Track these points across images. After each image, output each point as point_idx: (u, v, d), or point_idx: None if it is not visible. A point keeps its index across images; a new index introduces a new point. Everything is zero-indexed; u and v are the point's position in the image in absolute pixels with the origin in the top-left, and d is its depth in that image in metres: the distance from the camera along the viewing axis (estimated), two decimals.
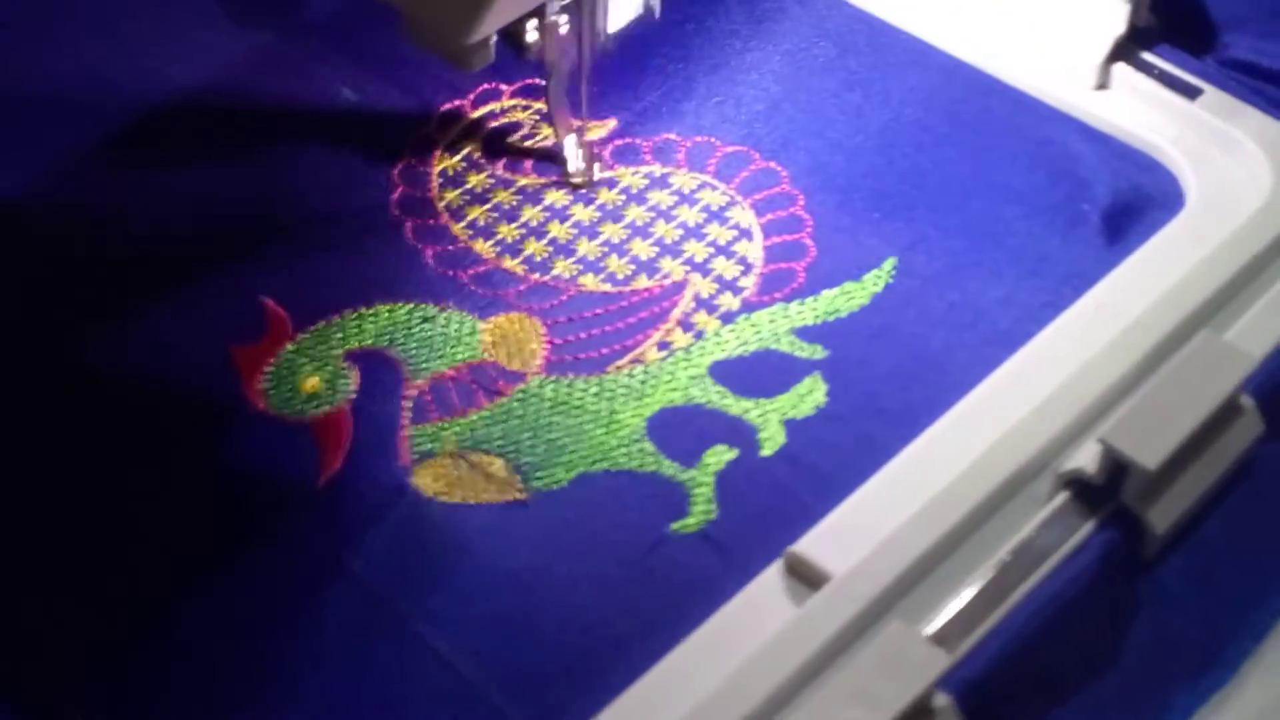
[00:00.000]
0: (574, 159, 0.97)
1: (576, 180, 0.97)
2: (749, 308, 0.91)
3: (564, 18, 0.89)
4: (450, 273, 0.93)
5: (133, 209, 0.96)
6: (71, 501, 0.83)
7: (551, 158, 0.99)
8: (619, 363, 0.89)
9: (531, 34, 0.89)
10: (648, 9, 0.96)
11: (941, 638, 0.74)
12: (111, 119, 1.01)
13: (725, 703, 0.72)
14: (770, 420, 0.86)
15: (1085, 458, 0.80)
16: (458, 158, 0.99)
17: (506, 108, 1.02)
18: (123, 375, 0.88)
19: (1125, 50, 1.01)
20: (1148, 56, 1.01)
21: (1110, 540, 0.78)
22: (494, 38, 0.85)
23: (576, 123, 0.96)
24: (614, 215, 0.96)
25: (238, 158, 0.99)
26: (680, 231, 0.95)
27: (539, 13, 0.89)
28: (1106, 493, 0.79)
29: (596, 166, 0.98)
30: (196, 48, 1.05)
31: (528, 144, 1.00)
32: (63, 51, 1.05)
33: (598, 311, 0.91)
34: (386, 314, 0.91)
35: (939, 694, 0.72)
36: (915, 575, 0.77)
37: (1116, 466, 0.78)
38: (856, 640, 0.74)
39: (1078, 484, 0.80)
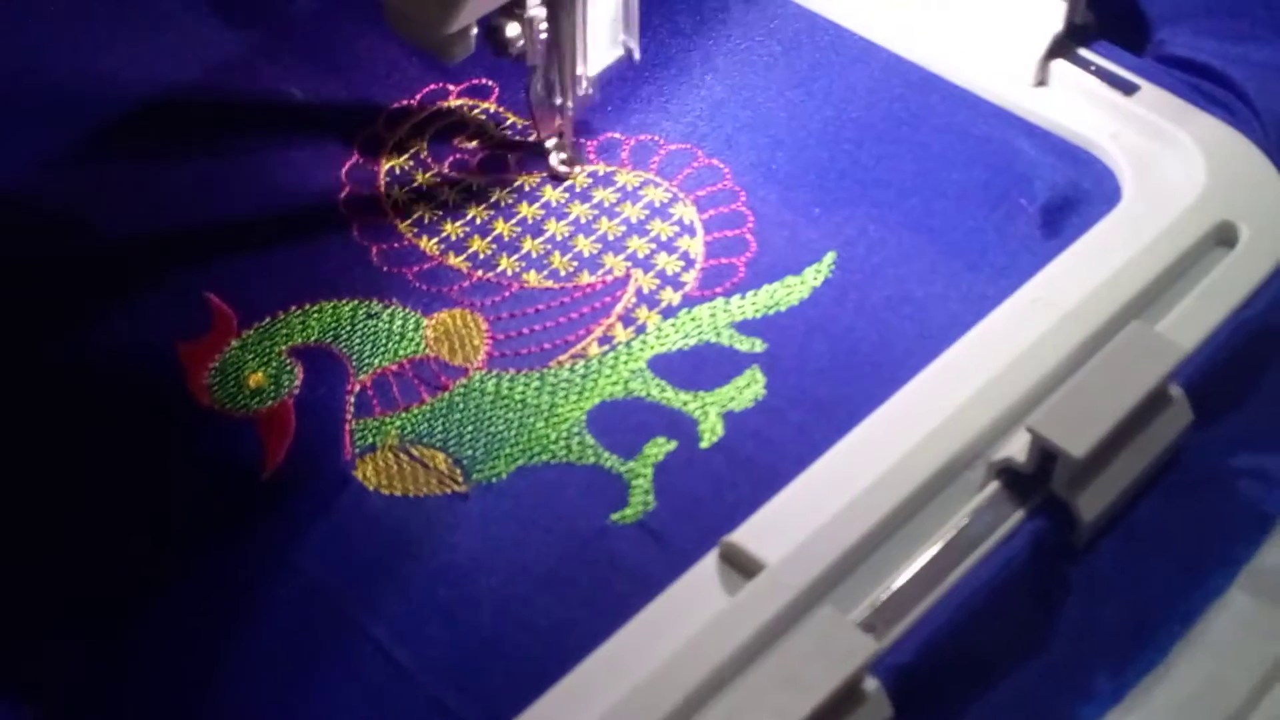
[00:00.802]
0: (554, 155, 0.99)
1: (559, 175, 0.99)
2: (690, 302, 0.92)
3: (543, 12, 0.90)
4: (395, 270, 0.94)
5: (79, 206, 0.97)
6: (13, 496, 0.83)
7: (506, 149, 1.01)
8: (560, 357, 0.90)
9: (512, 30, 0.90)
10: (627, 51, 0.97)
11: (871, 624, 0.75)
12: (57, 118, 1.01)
13: (658, 689, 0.73)
14: (709, 413, 0.87)
15: (1016, 447, 0.81)
16: (405, 156, 1.00)
17: (453, 107, 1.03)
18: (69, 370, 0.89)
19: (1063, 47, 1.02)
20: (1086, 53, 1.02)
21: (1040, 528, 0.80)
22: (474, 28, 0.86)
23: (558, 121, 0.97)
24: (558, 213, 0.97)
25: (185, 155, 1.00)
26: (623, 228, 0.96)
27: (518, 8, 0.89)
28: (1036, 481, 0.80)
29: (577, 164, 1.00)
30: (145, 48, 1.06)
31: (473, 143, 1.01)
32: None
33: (540, 307, 0.92)
34: (331, 310, 0.92)
35: (869, 679, 0.73)
36: (848, 564, 0.78)
37: (1045, 455, 0.79)
38: (790, 628, 0.75)
39: (1008, 473, 0.81)
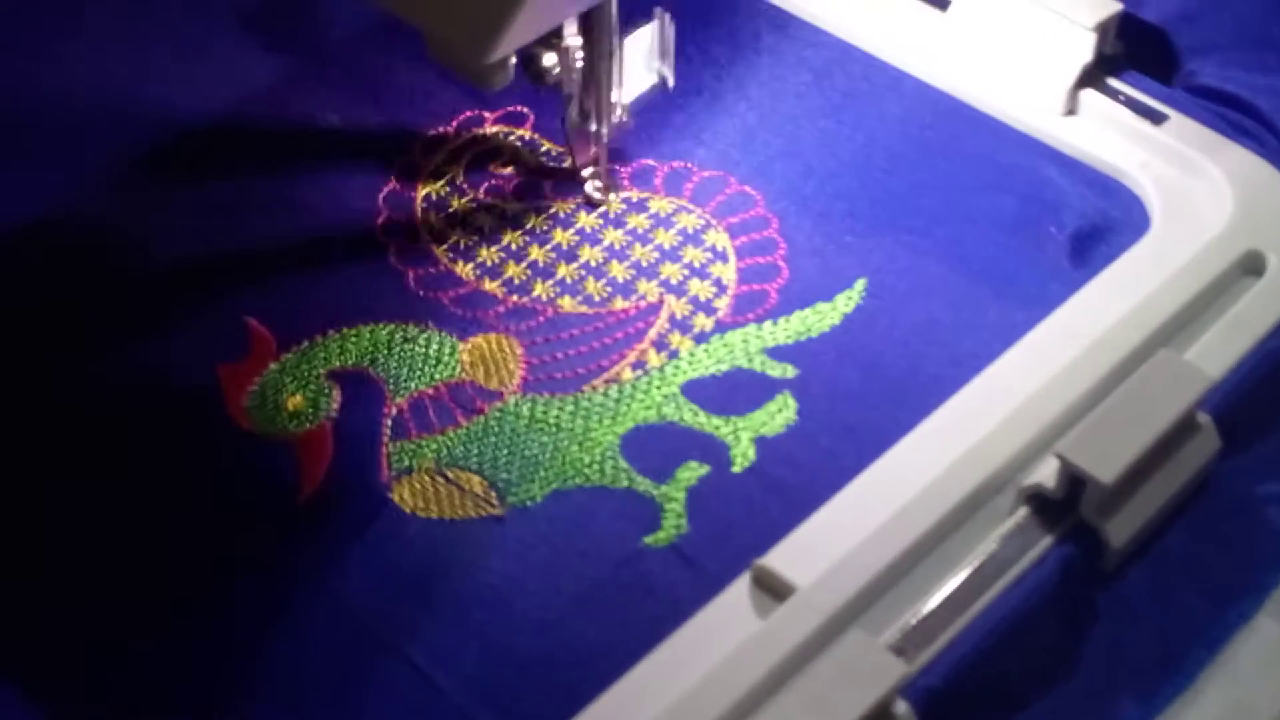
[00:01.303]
0: (592, 183, 1.00)
1: (596, 202, 1.00)
2: (722, 328, 0.94)
3: (579, 41, 0.91)
4: (431, 294, 0.95)
5: (120, 230, 0.98)
6: (54, 517, 0.85)
7: (541, 175, 1.02)
8: (594, 382, 0.91)
9: (549, 59, 0.91)
10: (661, 79, 0.98)
11: (901, 648, 0.76)
12: (99, 141, 1.03)
13: (690, 712, 0.74)
14: (741, 437, 0.88)
15: (1045, 473, 0.82)
16: (441, 182, 1.02)
17: (489, 134, 1.04)
18: (109, 392, 0.90)
19: (1093, 77, 1.03)
20: (1115, 83, 1.03)
21: (1069, 553, 0.80)
22: (513, 58, 0.87)
23: (594, 148, 0.99)
24: (592, 239, 0.98)
25: (224, 180, 1.01)
26: (657, 254, 0.98)
27: (556, 38, 0.91)
28: (1065, 507, 0.81)
29: (612, 191, 1.01)
30: (185, 73, 1.07)
31: (508, 169, 1.02)
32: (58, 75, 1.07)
33: (574, 332, 0.93)
34: (369, 334, 0.93)
35: (899, 702, 0.74)
36: (879, 588, 0.79)
37: (1074, 481, 0.80)
38: (820, 651, 0.76)
39: (1038, 499, 0.82)
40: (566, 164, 1.02)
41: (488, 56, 0.84)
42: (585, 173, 1.00)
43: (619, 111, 0.97)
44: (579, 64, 0.93)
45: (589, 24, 0.92)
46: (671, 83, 0.99)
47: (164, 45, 1.10)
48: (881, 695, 0.72)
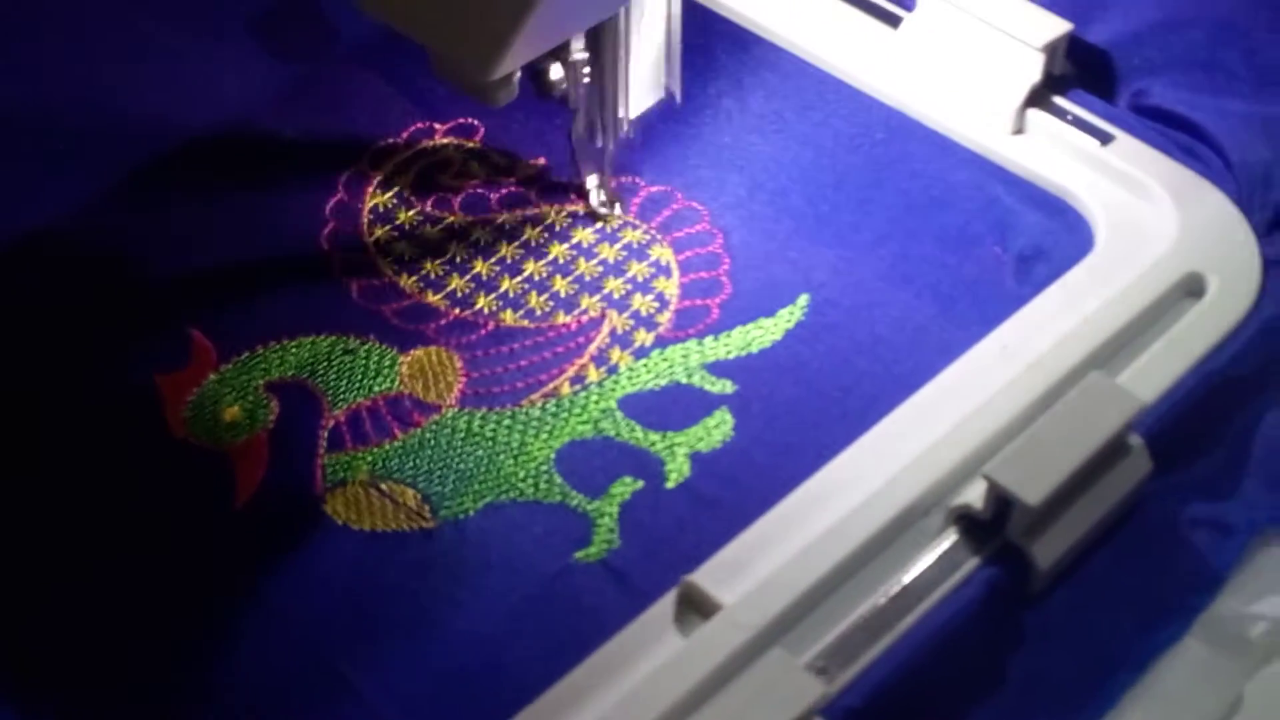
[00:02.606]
0: (595, 194, 1.00)
1: (600, 216, 1.00)
2: (663, 343, 0.94)
3: (585, 55, 0.91)
4: (374, 307, 0.96)
5: (63, 240, 0.99)
6: None
7: (489, 189, 1.02)
8: (533, 396, 0.91)
9: (556, 72, 0.91)
10: (669, 93, 0.98)
11: (822, 667, 0.77)
12: (47, 155, 1.03)
13: None
14: (676, 453, 0.88)
15: (975, 494, 0.82)
16: (388, 194, 1.02)
17: (438, 146, 1.05)
18: (48, 398, 0.91)
19: (1041, 96, 1.03)
20: (1063, 102, 1.03)
21: (995, 575, 0.81)
22: (518, 73, 0.87)
23: (599, 162, 0.99)
24: (537, 252, 0.99)
25: (168, 190, 1.01)
26: (600, 269, 0.98)
27: (563, 51, 0.91)
28: (993, 528, 0.81)
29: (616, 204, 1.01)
30: (149, 84, 1.08)
31: (457, 182, 1.02)
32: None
33: (515, 346, 0.94)
34: (309, 346, 0.93)
35: None
36: (804, 607, 0.79)
37: (1002, 502, 0.80)
38: (742, 669, 0.76)
39: (966, 519, 0.82)
40: (516, 176, 1.02)
41: (493, 73, 0.83)
42: (590, 186, 1.00)
43: (625, 126, 0.97)
44: (586, 78, 0.93)
45: (597, 39, 0.92)
46: (679, 97, 0.99)
47: (131, 57, 1.10)
48: (798, 715, 0.72)
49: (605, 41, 0.91)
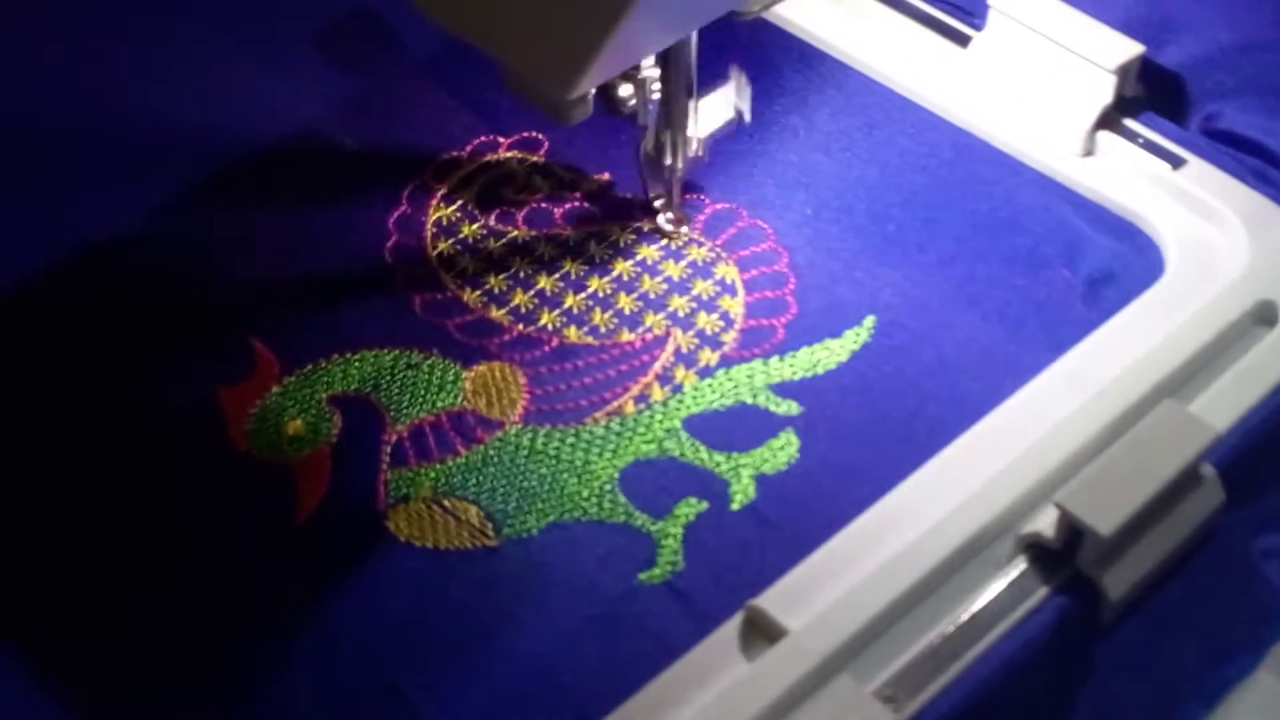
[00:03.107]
0: (663, 215, 0.99)
1: (667, 234, 0.99)
2: (727, 362, 0.93)
3: (656, 72, 0.91)
4: (437, 321, 0.95)
5: (129, 248, 0.98)
6: (53, 528, 0.85)
7: (553, 203, 1.02)
8: (596, 414, 0.90)
9: (625, 89, 0.90)
10: (738, 114, 0.98)
11: (890, 695, 0.76)
12: (111, 165, 1.03)
13: None
14: (741, 474, 0.88)
15: (1045, 522, 0.81)
16: (452, 208, 1.01)
17: (502, 160, 1.04)
18: (111, 409, 0.90)
19: (1112, 119, 1.02)
20: (1134, 125, 1.02)
21: (1065, 605, 0.80)
22: (593, 92, 0.86)
23: (666, 182, 0.98)
24: (601, 269, 0.98)
25: (235, 202, 1.01)
26: (665, 286, 0.97)
27: (634, 69, 0.91)
28: (1064, 558, 0.81)
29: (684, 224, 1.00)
30: (198, 98, 1.07)
31: (521, 195, 1.02)
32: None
33: (579, 364, 0.93)
34: (372, 360, 0.93)
35: None
36: (871, 633, 0.78)
37: (1073, 532, 0.79)
38: (808, 696, 0.75)
39: (1036, 548, 0.81)
40: (580, 191, 1.01)
41: (571, 92, 0.83)
42: (657, 204, 0.99)
43: (694, 145, 0.97)
44: (655, 95, 0.92)
45: (667, 58, 0.91)
46: (748, 118, 0.98)
47: (199, 71, 1.10)
48: None
49: (676, 60, 0.91)
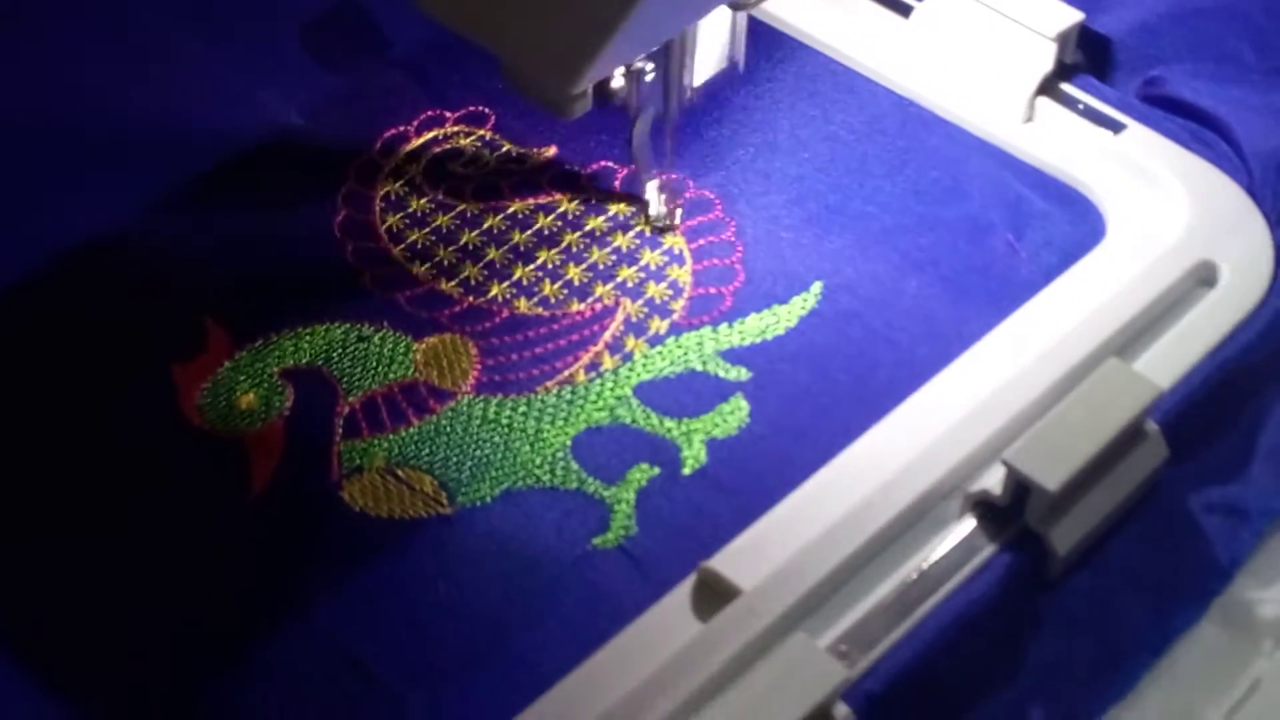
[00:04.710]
0: (655, 203, 1.00)
1: (658, 224, 1.00)
2: (677, 330, 0.94)
3: (650, 65, 0.91)
4: (387, 294, 0.96)
5: (77, 226, 0.98)
6: (6, 512, 0.86)
7: (500, 176, 1.02)
8: (548, 383, 0.91)
9: (618, 80, 0.90)
10: (732, 62, 0.98)
11: (843, 652, 0.77)
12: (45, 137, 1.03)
13: (630, 713, 0.74)
14: (693, 439, 0.88)
15: (993, 480, 0.82)
16: (400, 182, 1.02)
17: (450, 134, 1.05)
18: (61, 385, 0.91)
19: (1053, 85, 1.03)
20: (1075, 91, 1.03)
21: (1013, 560, 0.81)
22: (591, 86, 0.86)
23: (657, 171, 0.98)
24: (550, 240, 0.99)
25: (181, 177, 1.01)
26: (614, 257, 0.98)
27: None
28: (1011, 514, 0.82)
29: (673, 212, 1.00)
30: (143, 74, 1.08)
31: (469, 170, 1.03)
32: None
33: (529, 334, 0.94)
34: (324, 333, 0.93)
35: (839, 705, 0.74)
36: (823, 591, 0.79)
37: (1020, 488, 0.81)
38: (762, 654, 0.76)
39: (984, 505, 0.82)
40: (527, 164, 1.02)
41: (572, 88, 0.83)
42: (649, 194, 0.99)
43: (688, 91, 0.96)
44: (648, 86, 0.92)
45: (666, 51, 0.91)
46: (742, 65, 0.98)
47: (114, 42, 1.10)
48: (821, 699, 0.72)
49: (673, 52, 0.92)
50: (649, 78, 0.92)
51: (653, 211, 1.00)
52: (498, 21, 0.83)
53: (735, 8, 0.90)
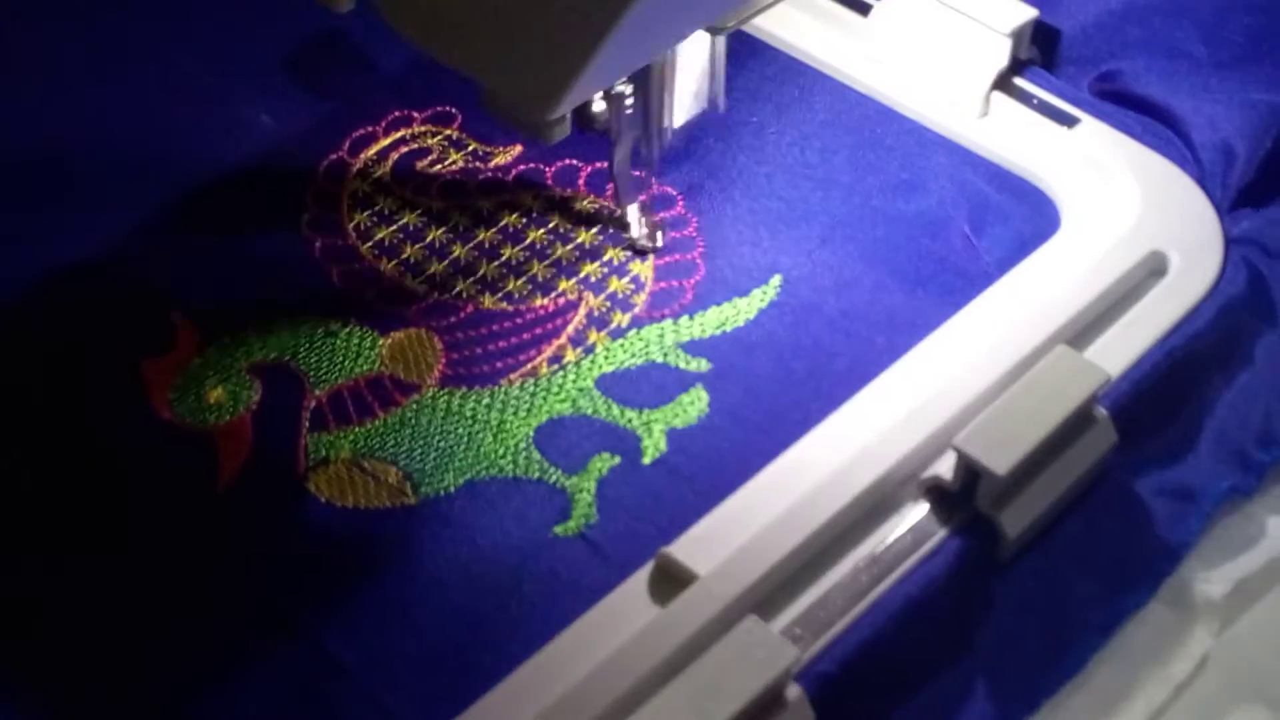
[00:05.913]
0: (636, 226, 1.01)
1: (640, 247, 1.01)
2: (639, 323, 0.96)
3: (629, 88, 0.92)
4: (355, 290, 0.97)
5: (41, 221, 1.00)
6: None
7: (466, 175, 1.04)
8: (511, 376, 0.93)
9: (598, 105, 0.92)
10: (712, 104, 0.99)
11: (796, 634, 0.78)
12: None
13: (587, 696, 0.76)
14: (653, 429, 0.90)
15: (945, 466, 0.84)
16: (367, 181, 1.03)
17: (417, 134, 1.06)
18: (31, 380, 0.92)
19: (1007, 81, 1.05)
20: (1029, 87, 1.05)
21: (964, 544, 0.83)
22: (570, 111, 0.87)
23: (640, 195, 1.00)
24: (515, 237, 1.00)
25: (152, 174, 1.03)
26: (577, 253, 0.99)
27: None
28: (963, 499, 0.83)
29: (654, 235, 1.01)
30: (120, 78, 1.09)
31: (436, 169, 1.04)
32: None
33: (494, 328, 0.95)
34: (291, 329, 0.94)
35: (791, 686, 0.76)
36: (777, 576, 0.81)
37: (970, 473, 0.82)
38: (717, 637, 0.78)
39: (936, 491, 0.84)
40: (493, 163, 1.04)
41: (550, 113, 0.83)
42: (630, 217, 1.00)
43: (669, 135, 0.98)
44: (629, 110, 0.93)
45: (645, 74, 0.92)
46: (723, 107, 1.00)
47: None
48: (773, 679, 0.74)
49: (651, 75, 0.93)
50: (629, 103, 0.93)
51: (634, 234, 1.01)
52: (475, 47, 0.84)
53: (713, 32, 0.91)
